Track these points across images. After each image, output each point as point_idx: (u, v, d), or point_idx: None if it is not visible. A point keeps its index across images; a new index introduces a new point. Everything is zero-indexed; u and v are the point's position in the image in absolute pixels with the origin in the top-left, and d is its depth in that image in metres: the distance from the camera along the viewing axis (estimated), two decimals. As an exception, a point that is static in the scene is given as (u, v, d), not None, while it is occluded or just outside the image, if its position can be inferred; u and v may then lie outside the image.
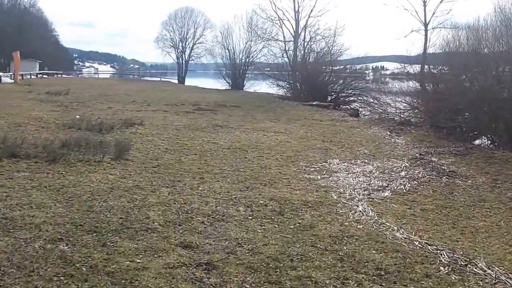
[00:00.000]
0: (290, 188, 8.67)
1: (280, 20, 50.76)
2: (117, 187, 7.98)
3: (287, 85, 39.71)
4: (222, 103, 26.12)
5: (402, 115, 21.63)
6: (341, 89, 35.73)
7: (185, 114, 20.60)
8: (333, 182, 9.28)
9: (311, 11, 49.45)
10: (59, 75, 65.76)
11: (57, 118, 17.03)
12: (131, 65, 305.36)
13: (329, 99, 34.79)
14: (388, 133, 17.22)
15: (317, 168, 10.48)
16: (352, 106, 32.04)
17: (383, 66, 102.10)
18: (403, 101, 22.73)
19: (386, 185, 9.21)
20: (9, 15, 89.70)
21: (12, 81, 40.18)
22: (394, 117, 21.66)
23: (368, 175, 10.01)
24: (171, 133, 14.32)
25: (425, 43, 43.22)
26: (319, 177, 9.66)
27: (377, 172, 10.26)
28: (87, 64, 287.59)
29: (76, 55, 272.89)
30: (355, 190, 8.70)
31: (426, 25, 44.83)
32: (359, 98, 33.75)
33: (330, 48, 40.14)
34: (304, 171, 10.15)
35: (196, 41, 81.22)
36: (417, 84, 23.44)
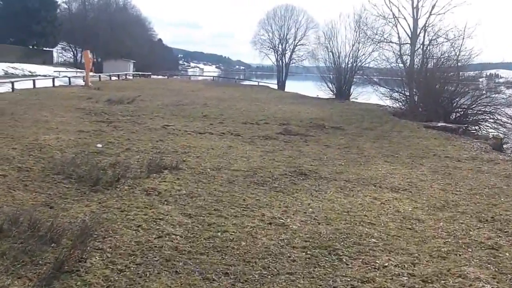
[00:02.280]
0: None
1: (395, 18, 43.06)
2: None
3: (402, 98, 32.65)
4: (319, 122, 19.91)
5: None
6: (469, 105, 28.33)
7: (263, 141, 14.62)
8: None
9: (433, 7, 41.47)
10: (147, 77, 61.79)
11: (69, 146, 11.70)
12: (237, 66, 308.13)
13: (454, 116, 27.70)
14: None
15: None
16: (484, 130, 25.05)
17: (498, 74, 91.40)
18: None
19: None
20: (102, 13, 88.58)
21: (88, 84, 35.99)
22: None
23: None
24: (212, 194, 8.29)
25: None
26: None
27: None
28: (192, 64, 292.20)
29: (181, 56, 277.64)
30: None
31: None
32: (491, 116, 26.48)
33: (457, 53, 32.36)
34: None
35: (297, 42, 74.90)
36: None
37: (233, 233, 6.45)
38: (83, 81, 36.23)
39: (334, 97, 44.71)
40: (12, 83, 27.08)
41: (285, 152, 12.93)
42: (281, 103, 30.10)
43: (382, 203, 8.46)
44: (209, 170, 10.01)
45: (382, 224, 7.33)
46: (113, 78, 48.61)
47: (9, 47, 63.29)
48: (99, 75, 42.80)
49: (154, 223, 6.64)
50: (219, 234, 6.40)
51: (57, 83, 34.49)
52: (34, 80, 29.74)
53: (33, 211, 6.59)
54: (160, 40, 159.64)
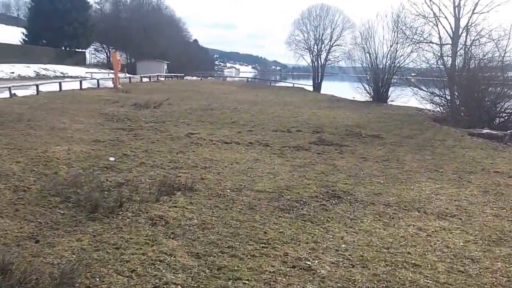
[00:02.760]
0: None
1: (436, 17, 41.03)
2: None
3: (443, 101, 30.91)
4: (355, 130, 18.54)
5: None
6: (515, 108, 26.51)
7: (294, 153, 13.38)
8: None
9: (475, 5, 39.35)
10: (180, 78, 60.93)
11: (79, 160, 10.68)
12: (273, 67, 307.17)
13: (497, 121, 26.02)
14: None
15: None
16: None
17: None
18: None
19: None
20: (135, 14, 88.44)
21: (118, 86, 35.22)
22: None
23: None
24: (228, 225, 7.11)
25: None
26: None
27: None
28: (228, 65, 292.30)
29: (217, 56, 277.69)
30: None
31: None
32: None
33: (502, 54, 30.45)
34: None
35: (333, 43, 73.09)
36: None
37: (247, 282, 5.25)
38: (112, 83, 35.46)
39: (371, 99, 43.12)
40: (37, 86, 26.36)
41: (317, 166, 11.65)
42: (316, 107, 28.75)
43: (428, 235, 7.15)
44: (228, 191, 8.81)
45: (429, 265, 6.03)
46: (145, 79, 47.87)
47: (42, 49, 63.37)
48: (130, 77, 42.01)
49: (152, 267, 5.47)
50: (229, 283, 5.20)
51: (85, 85, 33.82)
52: (60, 83, 29.00)
53: (6, 252, 5.49)
54: (196, 40, 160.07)
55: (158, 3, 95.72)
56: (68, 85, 31.21)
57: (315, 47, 73.78)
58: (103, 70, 67.61)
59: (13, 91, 25.42)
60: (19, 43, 68.55)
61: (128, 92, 31.27)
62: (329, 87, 67.72)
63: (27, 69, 52.67)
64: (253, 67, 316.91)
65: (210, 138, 14.92)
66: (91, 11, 79.89)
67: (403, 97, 40.63)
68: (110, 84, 34.77)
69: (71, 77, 57.01)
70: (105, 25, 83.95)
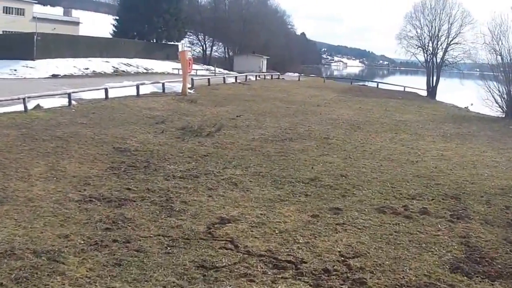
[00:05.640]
0: None
1: None
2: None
3: None
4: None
5: None
6: None
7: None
8: None
9: None
10: (273, 77, 53.47)
11: None
12: (380, 61, 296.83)
13: None
14: None
15: None
16: None
17: None
18: None
19: None
20: (234, 5, 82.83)
21: (189, 91, 28.66)
22: None
23: None
24: None
25: None
26: None
27: None
28: (335, 58, 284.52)
29: (325, 49, 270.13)
30: None
31: None
32: None
33: None
34: None
35: (451, 40, 62.87)
36: None
37: None
38: (188, 85, 28.57)
39: (503, 115, 34.06)
40: (69, 94, 20.22)
41: None
42: (440, 134, 20.24)
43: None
44: None
45: None
46: (230, 79, 41.15)
47: (128, 42, 58.83)
48: (208, 78, 35.31)
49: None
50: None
51: (148, 89, 27.55)
52: (106, 89, 22.74)
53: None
54: (303, 33, 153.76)
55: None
56: (123, 91, 25.01)
57: (430, 44, 63.97)
58: (195, 66, 62.01)
59: (39, 101, 19.53)
60: (109, 36, 64.59)
61: (194, 101, 24.56)
62: (444, 91, 58.21)
63: (105, 65, 47.85)
64: (360, 61, 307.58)
65: (254, 233, 7.84)
66: (186, 2, 74.74)
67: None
68: (179, 87, 27.99)
69: (156, 73, 51.75)
70: (201, 17, 78.81)
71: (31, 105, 19.05)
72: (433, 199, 10.44)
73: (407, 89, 55.38)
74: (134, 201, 9.03)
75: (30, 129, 14.95)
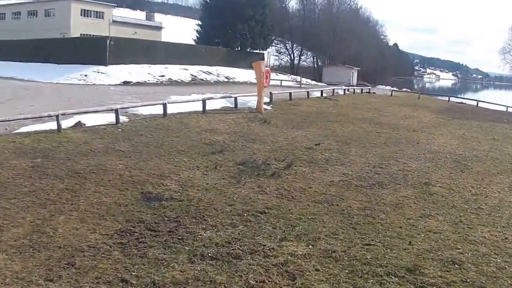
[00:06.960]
0: None
1: None
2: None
3: None
4: None
5: None
6: None
7: None
8: None
9: None
10: (363, 91, 48.74)
11: None
12: (474, 75, 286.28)
13: None
14: None
15: None
16: None
17: None
18: None
19: None
20: (324, 14, 79.29)
21: (266, 106, 25.09)
22: None
23: None
24: None
25: None
26: None
27: None
28: (428, 70, 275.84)
29: (417, 61, 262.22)
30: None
31: None
32: None
33: None
34: None
35: None
36: None
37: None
38: (265, 100, 24.88)
39: None
40: (116, 110, 17.19)
41: None
42: None
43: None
44: None
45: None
46: (315, 93, 37.27)
47: (210, 49, 56.26)
48: (290, 92, 31.50)
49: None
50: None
51: (220, 104, 24.26)
52: (165, 104, 19.56)
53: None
54: (395, 44, 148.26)
55: (351, 3, 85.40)
56: (188, 106, 21.83)
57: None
58: (281, 76, 58.69)
59: (81, 118, 16.68)
60: (192, 42, 62.59)
61: (267, 122, 20.91)
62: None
63: (183, 72, 45.29)
64: (454, 74, 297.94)
65: None
66: (275, 9, 71.74)
67: None
68: (255, 101, 24.31)
69: (237, 82, 48.74)
70: (289, 24, 75.66)
71: (71, 122, 16.22)
72: None
73: (510, 109, 48.86)
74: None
75: (48, 158, 11.90)
